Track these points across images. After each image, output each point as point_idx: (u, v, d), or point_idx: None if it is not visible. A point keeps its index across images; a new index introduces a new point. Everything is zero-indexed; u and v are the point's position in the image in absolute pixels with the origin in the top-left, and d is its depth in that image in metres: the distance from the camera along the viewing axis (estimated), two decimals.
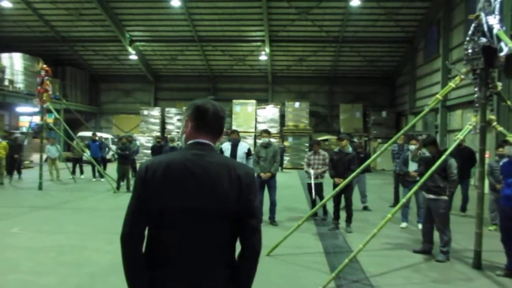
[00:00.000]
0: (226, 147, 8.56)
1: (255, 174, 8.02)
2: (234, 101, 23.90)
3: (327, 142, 22.49)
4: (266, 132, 8.56)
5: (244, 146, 8.64)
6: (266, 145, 8.26)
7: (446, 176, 5.94)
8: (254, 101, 23.92)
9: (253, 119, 23.71)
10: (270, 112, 23.81)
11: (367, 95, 25.40)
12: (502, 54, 5.01)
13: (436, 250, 6.11)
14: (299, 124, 23.30)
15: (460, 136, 5.65)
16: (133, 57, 23.84)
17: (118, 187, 12.21)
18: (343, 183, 6.42)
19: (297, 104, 24.09)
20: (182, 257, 1.73)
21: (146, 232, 1.79)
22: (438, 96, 5.74)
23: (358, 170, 6.39)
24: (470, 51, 5.50)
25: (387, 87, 25.73)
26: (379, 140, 22.65)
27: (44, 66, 12.46)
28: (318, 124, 25.59)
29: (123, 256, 1.78)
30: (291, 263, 5.72)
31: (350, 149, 7.99)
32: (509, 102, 5.83)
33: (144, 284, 1.74)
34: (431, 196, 6.02)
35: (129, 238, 1.76)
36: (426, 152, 6.68)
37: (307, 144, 22.22)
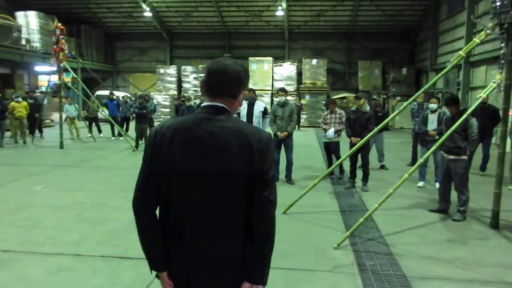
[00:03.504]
0: (243, 106, 8.50)
1: (272, 134, 8.10)
2: (250, 58, 23.50)
3: (344, 100, 22.14)
4: (283, 90, 8.44)
5: (260, 105, 8.57)
6: (283, 104, 8.17)
7: (466, 136, 5.81)
8: (270, 59, 23.49)
9: (270, 77, 23.38)
10: (287, 69, 23.42)
11: (386, 52, 24.67)
12: None
13: (453, 210, 6.09)
14: (316, 81, 22.91)
15: (483, 94, 5.46)
16: (148, 14, 23.45)
17: (136, 146, 12.37)
18: (360, 142, 6.34)
19: (314, 61, 23.58)
20: (189, 223, 1.71)
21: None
22: (461, 53, 5.50)
23: (375, 130, 6.29)
24: (498, 3, 5.20)
25: (407, 43, 24.88)
26: (398, 98, 22.21)
27: (59, 24, 12.34)
28: (335, 82, 25.17)
29: (136, 221, 1.78)
30: (306, 221, 5.79)
31: (367, 108, 7.85)
32: None
33: (158, 249, 1.75)
34: (451, 156, 5.91)
35: (140, 202, 1.76)
36: (446, 112, 6.51)
37: (324, 102, 21.93)
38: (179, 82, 24.51)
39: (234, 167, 1.66)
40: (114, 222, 5.58)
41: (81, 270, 4.09)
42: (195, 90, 23.49)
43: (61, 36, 11.93)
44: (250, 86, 23.53)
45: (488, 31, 5.32)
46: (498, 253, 4.68)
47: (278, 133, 8.05)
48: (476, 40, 5.44)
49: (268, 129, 8.47)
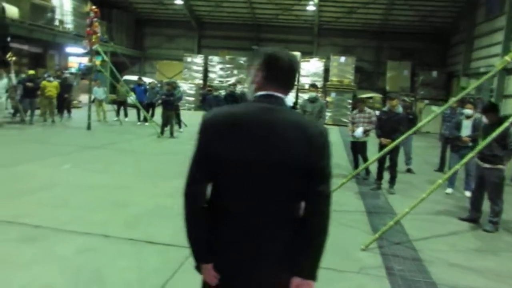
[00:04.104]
0: None
1: None
2: None
3: (371, 100, 21.78)
4: (314, 86, 8.36)
5: (289, 99, 8.49)
6: (313, 100, 8.08)
7: (505, 144, 5.60)
8: (298, 54, 23.25)
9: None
10: (314, 65, 23.16)
11: (416, 53, 24.05)
12: None
13: (484, 220, 5.91)
14: (344, 79, 22.60)
15: None
16: (178, 1, 23.51)
17: (162, 132, 12.44)
18: (391, 144, 6.20)
19: (342, 59, 23.23)
20: (240, 214, 1.67)
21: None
22: (506, 58, 5.30)
23: (409, 132, 6.13)
24: None
25: (438, 45, 24.23)
26: (426, 101, 21.71)
27: (93, 7, 12.47)
28: (362, 81, 24.75)
29: (185, 208, 1.73)
30: (332, 220, 5.67)
31: (400, 109, 7.68)
32: None
33: (205, 239, 1.72)
34: (486, 165, 5.71)
35: (191, 190, 1.71)
36: (481, 118, 6.30)
37: (349, 101, 21.66)
38: (205, 72, 24.55)
39: (292, 159, 1.63)
40: (140, 206, 5.61)
41: (108, 251, 4.12)
42: (220, 81, 23.50)
43: (95, 19, 12.06)
44: None
45: None
46: None
47: None
48: None
49: None
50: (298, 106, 8.45)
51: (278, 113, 1.67)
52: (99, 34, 12.62)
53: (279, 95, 1.73)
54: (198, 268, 1.80)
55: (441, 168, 10.00)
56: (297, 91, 21.75)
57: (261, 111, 1.67)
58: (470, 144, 7.64)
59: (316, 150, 1.66)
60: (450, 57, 23.73)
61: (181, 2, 23.63)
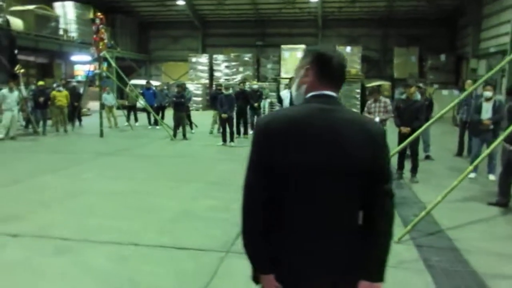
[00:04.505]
0: (285, 95, 8.38)
1: None
2: (282, 46, 23.22)
3: (379, 87, 21.58)
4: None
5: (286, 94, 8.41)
6: None
7: None
8: (303, 46, 23.12)
9: None
10: None
11: (423, 38, 23.72)
12: None
13: None
14: (351, 69, 22.39)
15: None
16: (180, 2, 23.44)
17: (174, 135, 12.40)
18: (414, 134, 6.04)
19: (348, 49, 23.03)
20: (304, 221, 1.60)
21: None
22: None
23: (433, 119, 5.98)
24: None
25: (446, 28, 23.90)
26: (436, 86, 21.47)
27: (99, 14, 12.44)
28: (370, 70, 24.50)
29: (244, 221, 1.65)
30: None
31: (418, 97, 7.55)
32: None
33: (267, 250, 1.63)
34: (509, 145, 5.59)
35: (251, 201, 1.63)
36: (502, 100, 6.17)
37: (358, 91, 21.50)
38: (211, 71, 24.50)
39: (357, 160, 1.57)
40: (165, 211, 5.58)
41: (140, 259, 4.08)
42: (226, 79, 23.40)
43: (101, 26, 12.03)
44: (283, 74, 23.33)
45: None
46: None
47: None
48: None
49: None
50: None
51: (338, 113, 1.61)
52: (106, 41, 12.59)
53: (334, 94, 1.66)
54: (256, 279, 1.73)
55: (460, 153, 9.86)
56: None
57: (321, 113, 1.60)
58: (492, 127, 7.54)
59: (380, 149, 1.62)
60: (458, 39, 23.39)
61: (183, 3, 23.56)
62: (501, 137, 5.09)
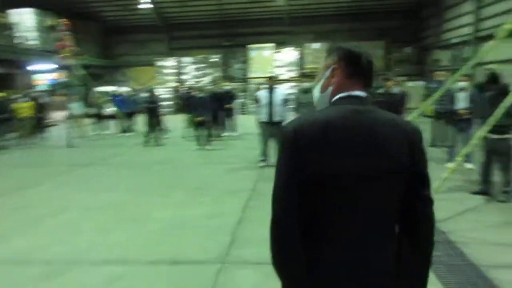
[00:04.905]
0: (263, 95, 8.26)
1: None
2: (249, 46, 23.18)
3: None
4: (307, 77, 8.18)
5: (281, 92, 8.34)
6: (306, 90, 7.92)
7: (510, 113, 5.58)
8: (271, 45, 23.16)
9: (271, 64, 23.08)
10: (289, 55, 23.13)
11: (390, 31, 24.12)
12: None
13: (496, 191, 5.90)
14: (319, 66, 22.59)
15: None
16: (145, 5, 22.95)
17: (148, 141, 12.09)
18: None
19: (316, 45, 23.27)
20: (344, 233, 1.48)
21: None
22: (505, 26, 5.24)
23: (418, 111, 6.01)
24: None
25: (410, 21, 24.43)
26: (402, 78, 21.90)
27: (63, 20, 11.95)
28: None
29: (277, 240, 1.51)
30: None
31: (396, 90, 7.62)
32: None
33: (303, 270, 1.50)
34: (495, 136, 5.69)
35: (285, 220, 1.48)
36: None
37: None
38: (179, 74, 24.15)
39: (398, 163, 1.46)
40: (153, 222, 5.36)
41: (137, 278, 3.87)
42: (196, 81, 23.09)
43: (65, 32, 11.56)
44: (251, 74, 23.25)
45: None
46: None
47: None
48: None
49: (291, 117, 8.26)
50: (292, 99, 8.26)
51: (373, 114, 1.49)
52: (71, 48, 12.12)
53: (365, 94, 1.55)
54: None
55: (434, 143, 10.04)
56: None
57: (355, 115, 1.48)
58: (468, 116, 7.71)
59: (419, 151, 1.51)
60: (421, 31, 23.96)
61: (147, 6, 23.07)
62: (485, 129, 5.15)
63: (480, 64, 11.40)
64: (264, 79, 21.01)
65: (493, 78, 5.75)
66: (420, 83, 19.79)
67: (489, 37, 15.73)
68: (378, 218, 1.49)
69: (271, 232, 1.53)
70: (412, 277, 1.54)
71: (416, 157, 1.48)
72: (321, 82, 1.63)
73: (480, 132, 5.26)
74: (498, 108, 5.18)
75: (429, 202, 1.54)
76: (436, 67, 20.11)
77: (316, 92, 1.67)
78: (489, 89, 5.89)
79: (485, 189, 6.03)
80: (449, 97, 7.84)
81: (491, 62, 14.71)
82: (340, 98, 1.54)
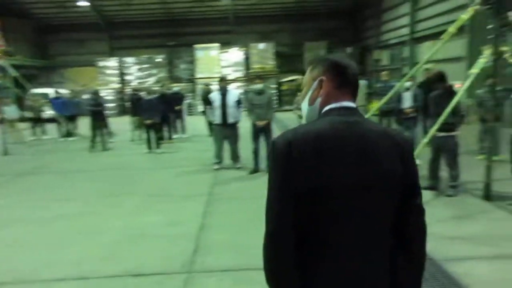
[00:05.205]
0: (216, 96, 8.16)
1: (251, 123, 7.84)
2: (195, 45, 22.92)
3: (294, 82, 22.29)
4: (260, 78, 8.19)
5: (234, 94, 8.30)
6: (260, 92, 7.91)
7: (455, 111, 5.90)
8: (217, 45, 23.04)
9: (217, 64, 22.97)
10: (234, 55, 23.15)
11: (332, 32, 24.93)
12: None
13: (443, 186, 6.23)
14: (265, 66, 22.83)
15: (475, 70, 5.55)
16: (83, 3, 21.92)
17: (93, 146, 11.54)
18: None
19: (261, 46, 23.49)
20: (340, 247, 1.45)
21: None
22: (450, 29, 5.56)
23: (374, 109, 6.22)
24: None
25: (351, 21, 25.39)
26: None
27: None
28: (283, 65, 25.08)
29: (271, 257, 1.47)
30: None
31: None
32: None
33: (297, 285, 1.46)
34: (442, 133, 5.99)
35: (281, 236, 1.44)
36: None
37: (273, 86, 21.99)
38: (122, 75, 23.38)
39: (392, 175, 1.45)
40: (109, 233, 5.09)
41: None
42: (140, 82, 22.45)
43: None
44: (198, 74, 22.99)
45: (476, 7, 5.38)
46: (506, 225, 4.83)
47: (257, 122, 7.80)
48: (464, 16, 5.50)
49: (245, 119, 8.24)
50: (244, 100, 8.23)
51: (365, 126, 1.48)
52: (2, 47, 11.27)
53: (354, 105, 1.54)
54: None
55: None
56: None
57: (347, 126, 1.46)
58: (413, 115, 8.11)
59: (412, 162, 1.51)
60: (362, 32, 24.92)
61: (86, 4, 22.04)
62: (435, 127, 5.42)
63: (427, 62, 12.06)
64: (211, 79, 21.13)
65: (440, 78, 6.04)
66: (362, 82, 20.64)
67: (425, 37, 16.75)
68: (373, 230, 1.48)
69: (267, 248, 1.48)
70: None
71: (408, 167, 1.48)
72: (309, 95, 1.59)
73: (431, 131, 5.52)
74: (446, 107, 5.49)
75: (421, 211, 1.55)
76: (377, 67, 21.01)
77: (305, 106, 1.64)
78: (435, 89, 6.20)
79: (433, 184, 6.34)
80: (396, 96, 8.19)
81: (428, 62, 15.57)
82: (330, 109, 1.51)
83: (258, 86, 8.00)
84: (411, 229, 1.54)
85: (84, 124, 13.53)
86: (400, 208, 1.50)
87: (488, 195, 5.77)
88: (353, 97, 1.55)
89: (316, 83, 1.55)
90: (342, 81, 1.52)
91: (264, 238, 1.47)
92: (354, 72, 1.55)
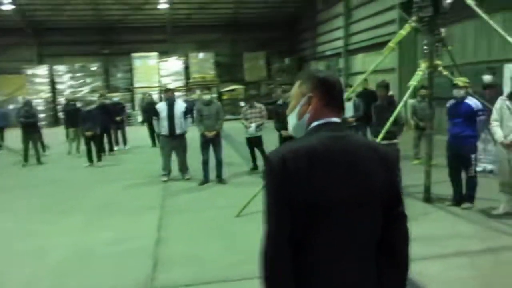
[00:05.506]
0: (162, 107, 8.05)
1: (200, 133, 7.78)
2: (133, 54, 22.39)
3: (234, 91, 22.46)
4: (208, 88, 8.20)
5: (181, 105, 8.25)
6: (208, 103, 7.91)
7: (396, 120, 6.29)
8: (155, 54, 22.64)
9: (156, 73, 22.58)
10: (174, 64, 22.90)
11: (270, 42, 25.36)
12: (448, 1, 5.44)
13: None
14: (205, 75, 22.80)
15: (413, 82, 5.96)
16: (6, 7, 20.44)
17: (26, 159, 10.77)
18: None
19: (201, 55, 23.48)
20: (332, 257, 1.52)
21: None
22: (390, 44, 5.95)
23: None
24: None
25: (288, 33, 26.07)
26: (285, 87, 23.23)
27: None
28: (223, 75, 25.16)
29: (269, 275, 1.50)
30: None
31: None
32: (449, 48, 6.28)
33: None
34: (384, 142, 6.33)
35: (279, 250, 1.48)
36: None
37: (214, 95, 21.96)
38: (53, 83, 22.18)
39: (380, 186, 1.54)
40: (57, 252, 4.78)
41: None
42: (73, 92, 21.35)
43: None
44: (136, 83, 22.38)
45: (413, 24, 5.82)
46: (448, 225, 5.22)
47: (206, 132, 7.77)
48: (403, 32, 5.91)
49: (193, 129, 8.19)
50: (193, 111, 8.19)
51: (352, 140, 1.58)
52: None
53: (340, 120, 1.62)
54: None
55: None
56: (160, 92, 21.10)
57: (336, 141, 1.53)
58: (354, 124, 8.55)
59: (396, 174, 1.62)
60: (299, 43, 25.70)
61: (10, 7, 20.60)
62: (380, 136, 5.74)
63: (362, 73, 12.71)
64: (150, 88, 20.65)
65: (386, 87, 6.43)
66: None
67: (358, 50, 17.67)
68: (367, 239, 1.56)
69: (264, 263, 1.51)
70: None
71: (392, 178, 1.59)
72: (297, 110, 1.65)
73: (377, 139, 5.84)
74: (389, 117, 5.85)
75: (404, 218, 1.64)
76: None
77: (292, 120, 1.69)
78: (380, 97, 6.59)
79: None
80: None
81: (362, 73, 16.42)
82: (318, 125, 1.58)
83: (207, 97, 8.00)
84: (395, 234, 1.62)
85: (12, 137, 12.67)
86: (385, 215, 1.58)
87: (428, 198, 6.21)
88: (340, 113, 1.63)
89: (305, 99, 1.61)
90: (330, 98, 1.60)
91: (263, 255, 1.50)
92: (340, 89, 1.65)
